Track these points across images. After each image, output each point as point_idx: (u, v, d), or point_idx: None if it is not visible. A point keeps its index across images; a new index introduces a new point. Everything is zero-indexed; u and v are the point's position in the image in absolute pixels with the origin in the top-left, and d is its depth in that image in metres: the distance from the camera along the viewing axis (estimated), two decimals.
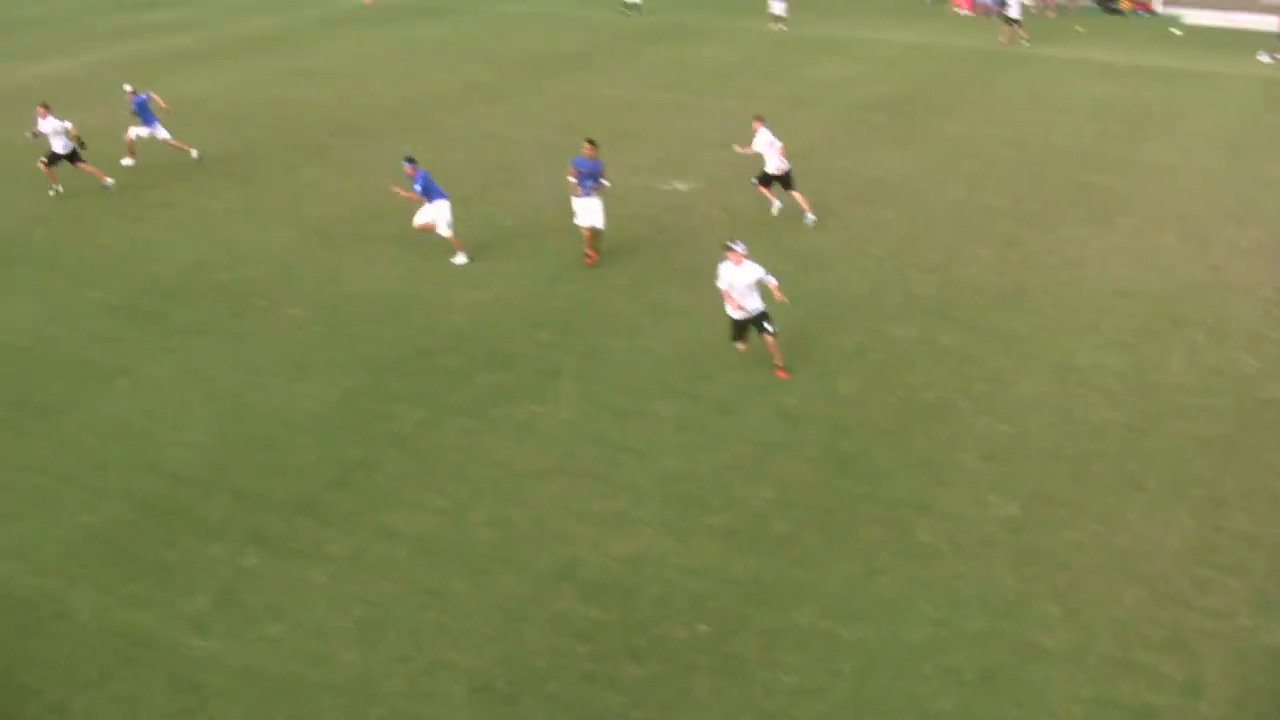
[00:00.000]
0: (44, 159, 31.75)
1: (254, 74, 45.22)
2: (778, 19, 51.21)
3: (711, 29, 51.02)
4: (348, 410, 20.62)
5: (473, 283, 25.69)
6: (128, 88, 34.52)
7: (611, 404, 20.59)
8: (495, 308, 24.44)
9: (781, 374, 21.36)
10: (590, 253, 26.52)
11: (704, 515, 17.55)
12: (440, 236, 26.78)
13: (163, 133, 33.71)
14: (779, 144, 28.35)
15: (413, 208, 27.75)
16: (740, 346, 21.63)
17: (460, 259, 26.76)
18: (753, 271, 20.68)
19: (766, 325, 21.08)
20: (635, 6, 53.82)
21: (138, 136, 33.81)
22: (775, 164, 28.36)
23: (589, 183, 25.78)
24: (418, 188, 26.19)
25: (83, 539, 17.44)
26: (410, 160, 26.66)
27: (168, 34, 53.93)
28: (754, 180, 29.13)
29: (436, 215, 26.40)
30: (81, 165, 31.87)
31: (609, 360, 22.14)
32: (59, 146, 31.52)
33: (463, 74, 43.94)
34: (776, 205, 29.29)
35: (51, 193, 31.90)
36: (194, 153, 34.30)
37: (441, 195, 26.47)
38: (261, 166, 33.88)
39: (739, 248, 20.60)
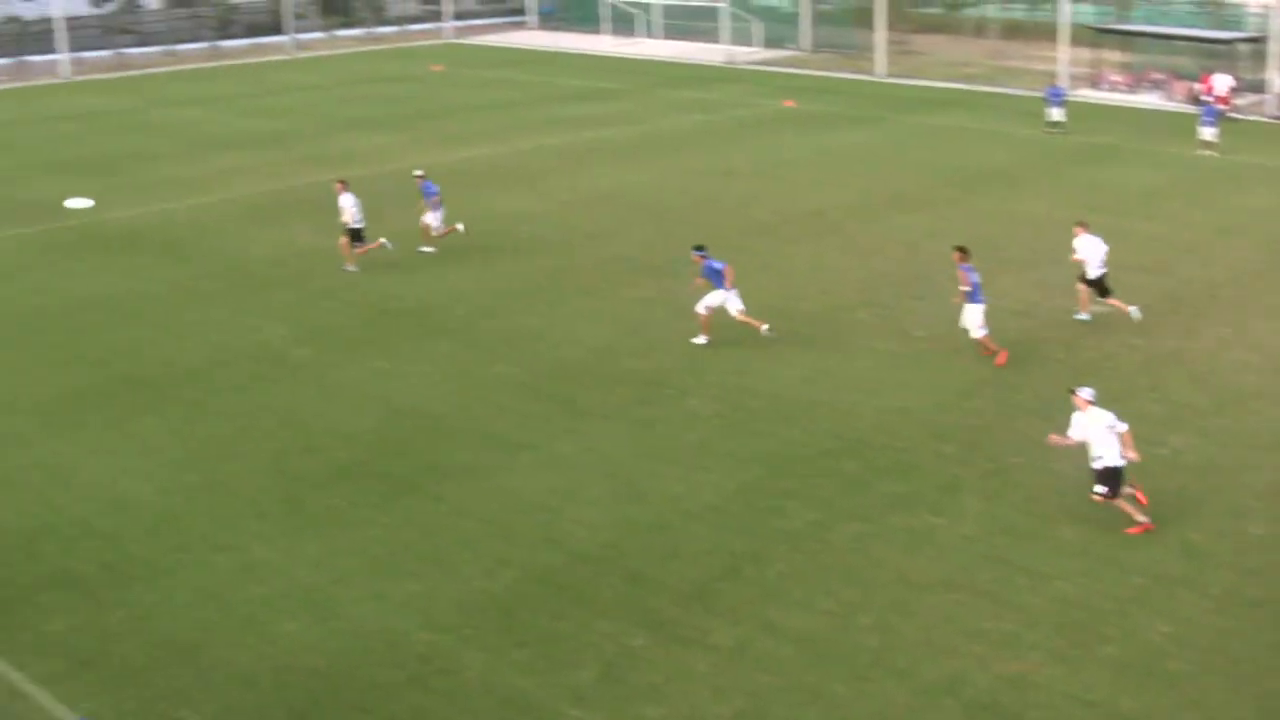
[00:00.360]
0: (345, 236, 35.21)
1: (676, 170, 47.47)
2: (1207, 144, 50.42)
3: (1136, 151, 50.61)
4: (743, 503, 21.76)
5: (878, 390, 26.56)
6: (418, 173, 37.40)
7: (1012, 523, 21.02)
8: (900, 417, 25.22)
9: (1136, 530, 20.65)
10: (989, 348, 27.83)
11: (1097, 645, 17.77)
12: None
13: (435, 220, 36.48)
14: (1101, 251, 29.60)
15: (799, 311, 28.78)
16: (1119, 497, 20.69)
17: (701, 340, 29.01)
18: (1101, 418, 20.46)
19: (1120, 481, 20.51)
20: (1059, 124, 53.87)
21: (430, 223, 36.62)
22: (1095, 270, 29.66)
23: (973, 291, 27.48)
24: (707, 269, 28.65)
25: (477, 602, 19.07)
26: (700, 249, 29.07)
27: (597, 127, 57.06)
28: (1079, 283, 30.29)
29: (723, 301, 28.64)
30: (360, 246, 35.19)
31: (1012, 479, 22.56)
32: (354, 222, 34.96)
33: (882, 183, 45.00)
34: (1084, 315, 30.32)
35: (352, 268, 35.24)
36: (460, 226, 36.87)
37: (720, 285, 28.48)
38: (665, 260, 35.65)
39: (1085, 394, 20.56)
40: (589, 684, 17.09)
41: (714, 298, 28.95)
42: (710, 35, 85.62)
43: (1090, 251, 29.73)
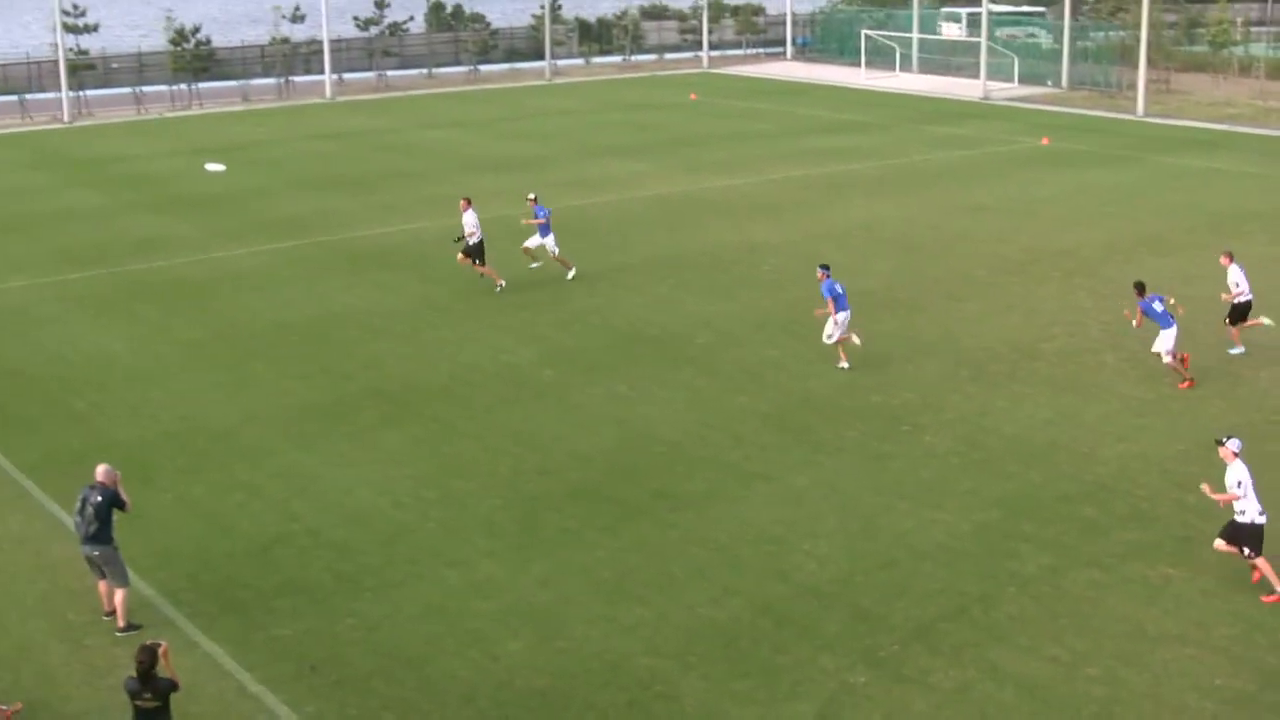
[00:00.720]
0: (463, 253, 36.65)
1: (926, 205, 47.15)
2: None
3: None
4: (976, 544, 21.52)
5: (1122, 435, 26.03)
6: (531, 196, 37.81)
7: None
8: (1142, 463, 24.68)
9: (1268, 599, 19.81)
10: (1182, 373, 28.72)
11: None
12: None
13: (553, 246, 37.05)
14: (1245, 283, 30.50)
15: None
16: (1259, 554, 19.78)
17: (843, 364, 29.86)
18: (1233, 473, 19.82)
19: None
20: None
21: (537, 246, 37.30)
22: (1237, 296, 30.57)
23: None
24: (826, 293, 29.27)
25: (701, 629, 19.20)
26: (824, 267, 29.97)
27: (848, 160, 56.97)
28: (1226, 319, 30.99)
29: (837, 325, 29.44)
30: (478, 265, 36.64)
31: None
32: (473, 231, 36.33)
33: (1136, 224, 44.03)
34: (1239, 349, 30.81)
35: (498, 289, 36.40)
36: (571, 272, 37.14)
37: (843, 305, 29.48)
38: (923, 296, 35.47)
39: (1231, 444, 20.04)
40: (808, 718, 17.06)
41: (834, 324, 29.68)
42: (967, 71, 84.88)
43: (1239, 279, 30.48)
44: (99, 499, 19.05)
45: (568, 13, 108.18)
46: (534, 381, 29.57)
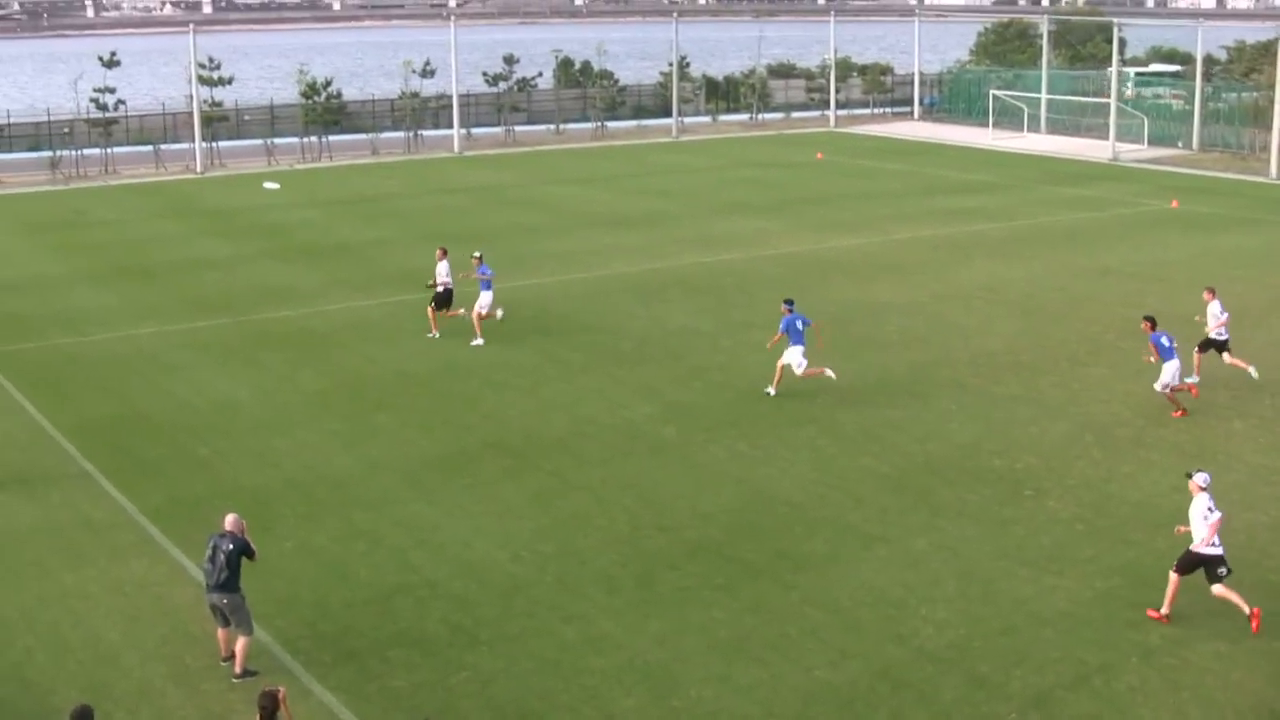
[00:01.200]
0: (432, 303, 38.03)
1: (1053, 266, 46.73)
2: None
3: None
4: (1098, 612, 21.20)
5: (1250, 503, 25.57)
6: (476, 255, 38.06)
7: None
8: (1271, 534, 24.28)
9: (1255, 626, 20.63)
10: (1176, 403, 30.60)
11: None
12: None
13: (484, 305, 37.34)
14: (1225, 316, 32.98)
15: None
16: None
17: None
18: (1197, 505, 20.86)
19: (1219, 570, 20.69)
20: None
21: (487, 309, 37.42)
22: (1215, 330, 32.97)
23: None
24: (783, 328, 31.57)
25: (817, 692, 19.08)
26: (788, 302, 32.04)
27: (974, 220, 56.65)
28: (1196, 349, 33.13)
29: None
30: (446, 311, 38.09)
31: None
32: (444, 280, 37.80)
33: (1265, 288, 43.29)
34: (1194, 379, 32.52)
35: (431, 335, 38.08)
36: (478, 341, 37.10)
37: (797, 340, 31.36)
38: (1048, 358, 35.13)
39: (1200, 479, 21.13)
40: None
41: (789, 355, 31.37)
42: (1096, 131, 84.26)
43: (1214, 316, 33.10)
44: (230, 547, 19.33)
45: (695, 70, 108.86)
46: (653, 437, 29.64)
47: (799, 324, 31.80)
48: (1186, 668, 19.56)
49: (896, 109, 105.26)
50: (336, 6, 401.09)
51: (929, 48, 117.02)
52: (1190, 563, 20.78)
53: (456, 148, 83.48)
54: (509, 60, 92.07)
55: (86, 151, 77.07)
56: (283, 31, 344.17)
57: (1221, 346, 33.10)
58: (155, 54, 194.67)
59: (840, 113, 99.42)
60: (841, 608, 21.52)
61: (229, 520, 19.75)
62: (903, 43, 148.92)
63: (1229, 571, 20.67)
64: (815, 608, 21.53)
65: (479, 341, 36.90)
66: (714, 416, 30.89)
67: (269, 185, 46.99)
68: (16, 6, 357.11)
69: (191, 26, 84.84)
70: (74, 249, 52.59)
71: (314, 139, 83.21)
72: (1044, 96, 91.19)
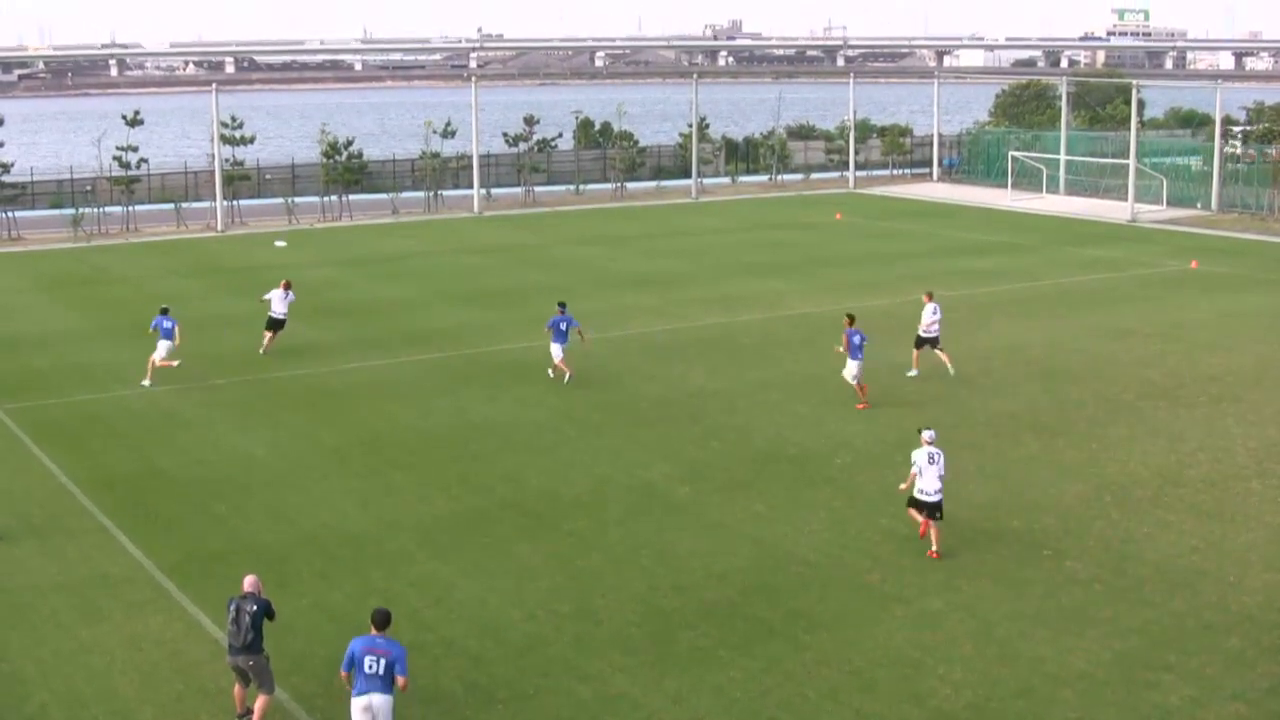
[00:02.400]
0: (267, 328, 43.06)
1: (1072, 328, 46.74)
2: None
3: None
4: (1116, 673, 21.12)
5: (1270, 563, 25.52)
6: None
7: None
8: None
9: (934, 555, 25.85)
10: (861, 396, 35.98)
11: None
12: None
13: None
14: (937, 316, 39.52)
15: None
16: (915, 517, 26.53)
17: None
18: (919, 456, 26.39)
19: (936, 514, 26.12)
20: None
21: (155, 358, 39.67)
22: (925, 328, 39.58)
23: None
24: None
25: None
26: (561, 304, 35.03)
27: (993, 281, 56.75)
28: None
29: None
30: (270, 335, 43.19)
31: None
32: (279, 311, 43.29)
33: None
34: (915, 372, 39.63)
35: (263, 351, 43.00)
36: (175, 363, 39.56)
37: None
38: (1067, 419, 35.13)
39: (925, 435, 26.64)
40: None
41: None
42: (1115, 193, 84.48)
43: (929, 316, 39.47)
44: (254, 609, 19.35)
45: (715, 132, 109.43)
46: (670, 497, 29.66)
47: (563, 325, 38.44)
48: None
49: (915, 170, 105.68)
50: (358, 67, 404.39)
51: (948, 109, 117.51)
52: (916, 504, 26.40)
53: (476, 208, 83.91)
54: (529, 121, 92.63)
55: (109, 209, 77.65)
56: (304, 91, 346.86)
57: (933, 343, 39.67)
58: (178, 113, 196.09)
59: (859, 174, 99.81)
60: (858, 668, 21.47)
61: (248, 582, 19.78)
62: (922, 104, 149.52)
63: (941, 516, 26.13)
64: (831, 668, 21.49)
65: (146, 383, 39.47)
66: (730, 476, 30.92)
67: (279, 244, 47.86)
68: (41, 65, 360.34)
69: (214, 86, 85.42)
70: (94, 305, 52.93)
71: (334, 198, 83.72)
72: (1063, 157, 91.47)
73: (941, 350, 39.64)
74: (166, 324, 39.86)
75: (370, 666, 18.04)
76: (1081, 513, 28.36)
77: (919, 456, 26.26)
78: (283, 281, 44.44)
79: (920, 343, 39.82)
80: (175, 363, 39.51)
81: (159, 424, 35.64)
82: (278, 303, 43.45)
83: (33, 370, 41.98)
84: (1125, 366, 40.92)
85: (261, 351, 43.22)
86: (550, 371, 39.34)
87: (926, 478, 26.05)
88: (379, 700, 17.97)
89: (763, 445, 33.16)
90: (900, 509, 28.37)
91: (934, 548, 25.93)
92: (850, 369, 36.33)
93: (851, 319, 36.89)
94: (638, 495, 29.78)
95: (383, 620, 18.55)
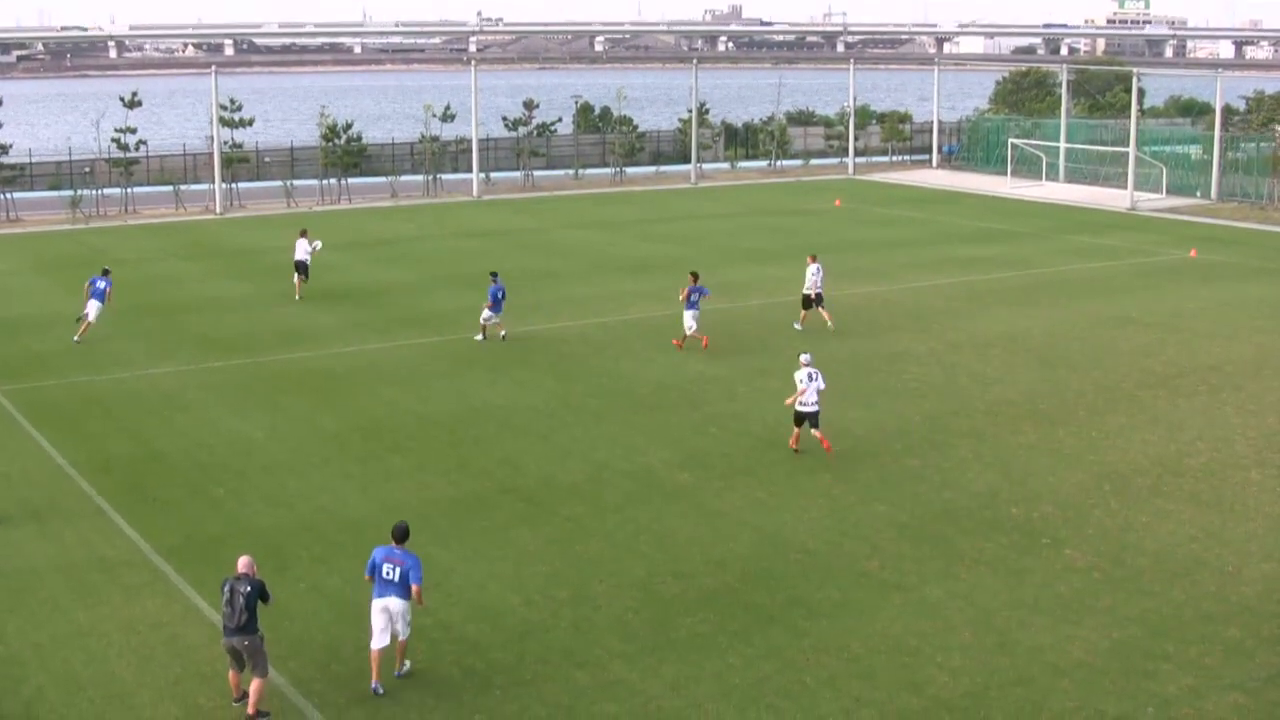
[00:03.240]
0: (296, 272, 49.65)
1: (1071, 316, 46.68)
2: None
3: None
4: (1115, 662, 21.10)
5: (1269, 553, 25.50)
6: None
7: None
8: None
9: (826, 446, 30.77)
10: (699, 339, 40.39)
11: None
12: None
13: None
14: (819, 276, 44.08)
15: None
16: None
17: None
18: (799, 375, 31.00)
19: (815, 423, 31.04)
20: None
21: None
22: (810, 287, 44.07)
23: None
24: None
25: None
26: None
27: (992, 269, 56.64)
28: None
29: None
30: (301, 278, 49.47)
31: None
32: (301, 256, 49.98)
33: None
34: (799, 327, 44.07)
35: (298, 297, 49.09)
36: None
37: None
38: (1066, 407, 35.09)
39: (803, 358, 31.33)
40: None
41: None
42: (1114, 181, 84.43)
43: (812, 276, 43.94)
44: (248, 589, 19.35)
45: (714, 117, 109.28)
46: (669, 484, 29.62)
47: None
48: (1204, 718, 19.44)
49: (915, 157, 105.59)
50: (358, 50, 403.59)
51: (948, 96, 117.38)
52: (798, 417, 30.97)
53: (475, 192, 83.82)
54: (529, 105, 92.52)
55: (107, 191, 77.55)
56: (304, 74, 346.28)
57: (818, 301, 43.89)
58: (177, 95, 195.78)
59: (859, 160, 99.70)
60: (856, 655, 21.44)
61: (242, 562, 19.76)
62: (922, 91, 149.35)
63: (818, 425, 30.85)
64: (830, 655, 21.46)
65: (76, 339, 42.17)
66: (730, 463, 30.88)
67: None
68: (40, 47, 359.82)
69: (213, 68, 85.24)
70: None
71: (333, 181, 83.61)
72: (1063, 145, 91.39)
73: (824, 309, 43.95)
74: (100, 284, 42.38)
75: (388, 573, 20.28)
76: (1080, 502, 28.32)
77: (800, 375, 30.85)
78: (300, 230, 51.98)
79: (807, 302, 44.18)
80: (90, 320, 42.53)
81: (157, 407, 35.57)
82: (300, 250, 50.21)
83: (31, 352, 41.89)
84: (1124, 355, 40.87)
85: (297, 297, 49.49)
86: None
87: (808, 393, 30.69)
88: (395, 603, 20.22)
89: (762, 432, 33.12)
90: (899, 495, 28.49)
91: (825, 445, 30.91)
92: (687, 319, 40.65)
93: (695, 276, 41.26)
94: (637, 481, 29.74)
95: (401, 534, 20.67)
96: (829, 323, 43.71)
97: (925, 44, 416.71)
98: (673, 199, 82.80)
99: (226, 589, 19.47)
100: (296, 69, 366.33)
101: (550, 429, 33.49)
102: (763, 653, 21.55)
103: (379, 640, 20.31)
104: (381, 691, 20.11)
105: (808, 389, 30.75)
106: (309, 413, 35.06)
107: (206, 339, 43.16)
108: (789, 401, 31.27)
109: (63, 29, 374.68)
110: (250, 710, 19.44)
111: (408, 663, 20.81)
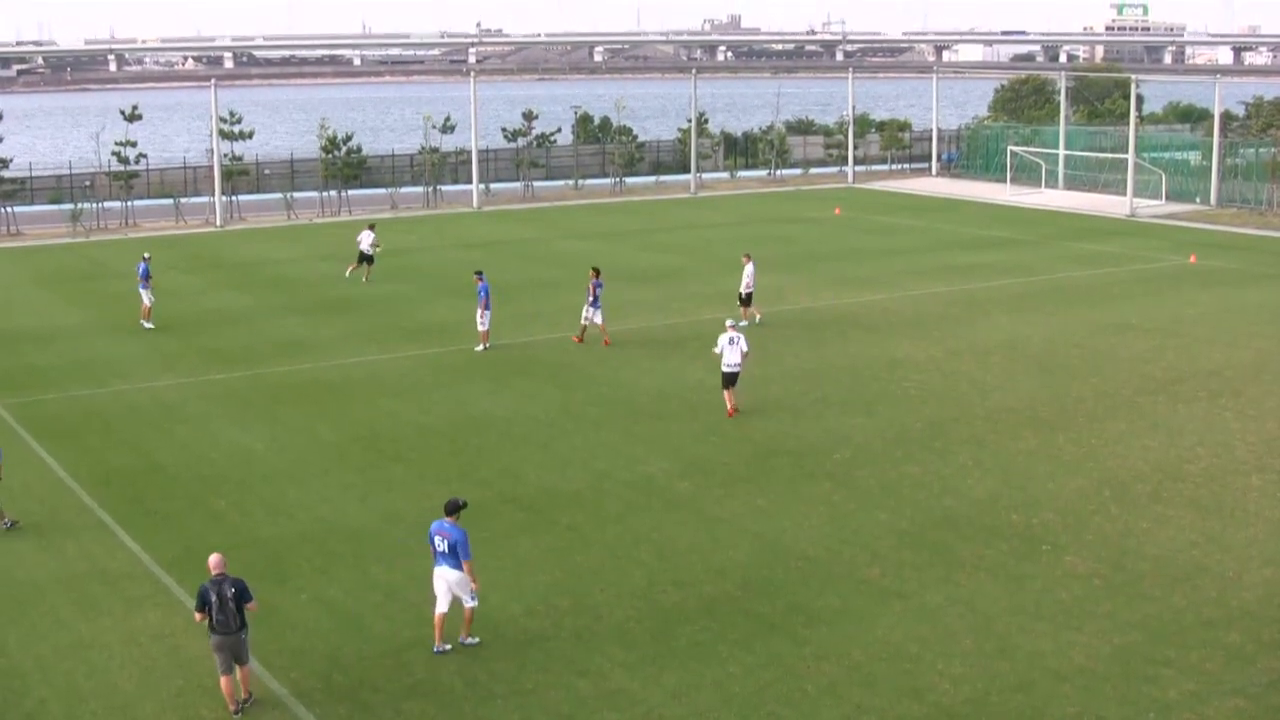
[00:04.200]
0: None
1: (1071, 322, 46.72)
2: None
3: None
4: (1116, 668, 21.09)
5: (1269, 559, 25.49)
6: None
7: None
8: None
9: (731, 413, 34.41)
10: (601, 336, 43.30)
11: None
12: None
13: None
14: (752, 276, 46.49)
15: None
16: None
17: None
18: (722, 340, 34.73)
19: (734, 383, 34.78)
20: None
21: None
22: (744, 287, 46.46)
23: None
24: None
25: None
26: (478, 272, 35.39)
27: (992, 276, 56.70)
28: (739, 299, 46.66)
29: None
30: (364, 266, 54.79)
31: None
32: (365, 247, 55.64)
33: None
34: (746, 323, 44.13)
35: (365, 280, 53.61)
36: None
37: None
38: (1066, 414, 35.09)
39: (728, 322, 35.47)
40: None
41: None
42: (1113, 188, 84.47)
43: (747, 276, 46.27)
44: (233, 590, 19.54)
45: (714, 127, 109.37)
46: (669, 492, 29.62)
47: (486, 292, 42.37)
48: None
49: (914, 165, 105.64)
50: (357, 62, 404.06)
51: (947, 104, 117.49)
52: (724, 379, 34.75)
53: (475, 203, 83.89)
54: (528, 116, 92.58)
55: (107, 204, 77.61)
56: (303, 86, 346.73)
57: (748, 300, 46.39)
58: (177, 108, 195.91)
59: (858, 169, 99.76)
60: (857, 663, 21.44)
61: (214, 561, 19.86)
62: (921, 99, 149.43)
63: (734, 385, 34.60)
64: (830, 663, 21.46)
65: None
66: (730, 471, 30.88)
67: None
68: (40, 61, 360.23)
69: (213, 81, 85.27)
70: (93, 300, 52.90)
71: (333, 193, 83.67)
72: (1062, 152, 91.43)
73: (755, 307, 46.90)
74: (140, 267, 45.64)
75: (440, 545, 21.71)
76: (1081, 507, 28.32)
77: (722, 340, 34.52)
78: (369, 224, 59.12)
79: (741, 300, 46.71)
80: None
81: (158, 419, 35.60)
82: (364, 241, 56.23)
83: (31, 365, 41.94)
84: (1124, 361, 40.89)
85: (364, 280, 55.71)
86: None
87: (729, 355, 34.27)
88: (451, 574, 21.70)
89: (762, 440, 33.12)
90: (899, 502, 28.51)
91: (729, 407, 34.67)
92: (588, 312, 42.92)
93: (597, 272, 43.77)
94: (637, 490, 29.74)
95: (451, 508, 21.91)
96: (757, 317, 46.73)
97: (924, 52, 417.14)
98: (673, 209, 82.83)
99: (213, 595, 19.58)
100: (296, 81, 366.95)
101: (550, 438, 33.50)
102: (763, 660, 21.55)
103: (440, 606, 21.80)
104: (447, 649, 21.80)
105: (728, 352, 34.28)
106: (309, 423, 35.08)
107: (207, 351, 43.20)
108: (717, 351, 34.95)
109: (77, 44, 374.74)
110: (244, 693, 19.86)
111: (475, 637, 22.10)
